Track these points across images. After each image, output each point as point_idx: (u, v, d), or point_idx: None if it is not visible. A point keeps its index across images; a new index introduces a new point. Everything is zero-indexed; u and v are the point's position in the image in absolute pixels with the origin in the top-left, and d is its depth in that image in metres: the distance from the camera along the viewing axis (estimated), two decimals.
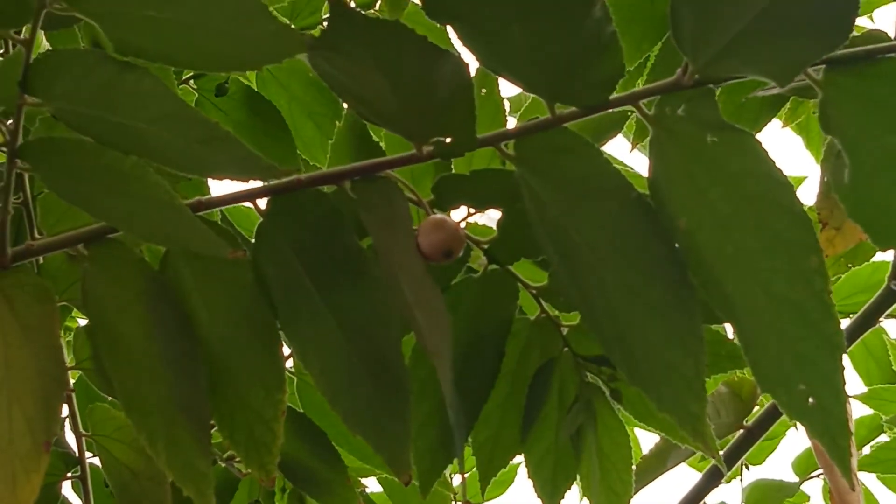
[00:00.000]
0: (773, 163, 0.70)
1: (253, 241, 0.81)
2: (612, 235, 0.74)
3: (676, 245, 0.73)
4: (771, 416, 1.40)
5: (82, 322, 1.19)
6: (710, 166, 0.72)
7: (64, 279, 0.96)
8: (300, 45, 0.69)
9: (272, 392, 0.81)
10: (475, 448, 0.99)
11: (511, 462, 1.02)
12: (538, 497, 1.01)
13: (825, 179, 1.16)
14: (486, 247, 0.88)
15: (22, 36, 0.74)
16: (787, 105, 1.36)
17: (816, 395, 0.69)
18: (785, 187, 0.70)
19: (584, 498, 1.01)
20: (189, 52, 0.72)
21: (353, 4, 1.42)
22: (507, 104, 1.18)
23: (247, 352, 0.82)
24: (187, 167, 0.75)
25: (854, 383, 1.87)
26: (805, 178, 1.97)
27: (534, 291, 0.92)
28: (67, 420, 1.08)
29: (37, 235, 0.94)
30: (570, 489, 1.01)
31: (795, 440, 2.07)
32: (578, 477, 1.00)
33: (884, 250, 0.78)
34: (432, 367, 0.89)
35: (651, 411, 0.96)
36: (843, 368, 0.69)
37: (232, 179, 0.73)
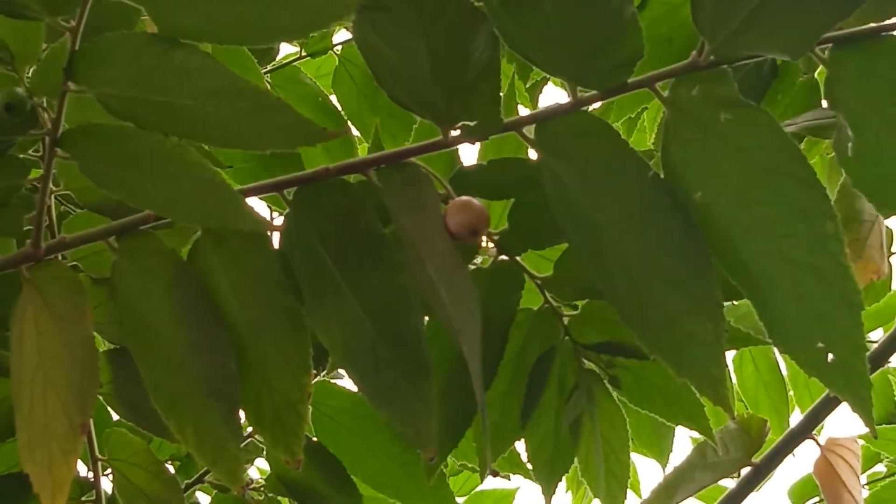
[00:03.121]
0: (787, 136, 0.74)
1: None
2: (631, 212, 0.78)
3: (693, 218, 0.77)
4: (779, 453, 1.39)
5: None
6: (724, 142, 0.75)
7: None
8: (349, 7, 0.71)
9: (298, 375, 0.83)
10: (476, 434, 1.01)
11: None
12: (536, 481, 1.04)
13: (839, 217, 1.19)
14: (496, 237, 0.92)
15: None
16: (802, 146, 1.39)
17: (836, 352, 0.72)
18: (799, 159, 0.73)
19: (583, 480, 1.04)
20: (237, 25, 0.74)
21: None
22: None
23: (273, 337, 0.84)
24: (233, 141, 0.77)
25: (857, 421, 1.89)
26: None
27: (538, 282, 0.96)
28: None
29: None
30: (567, 473, 1.04)
31: (791, 468, 2.09)
32: (576, 460, 1.03)
33: (887, 217, 0.82)
34: (443, 349, 0.92)
35: (647, 396, 0.99)
36: (862, 325, 0.72)
37: (278, 148, 0.76)
